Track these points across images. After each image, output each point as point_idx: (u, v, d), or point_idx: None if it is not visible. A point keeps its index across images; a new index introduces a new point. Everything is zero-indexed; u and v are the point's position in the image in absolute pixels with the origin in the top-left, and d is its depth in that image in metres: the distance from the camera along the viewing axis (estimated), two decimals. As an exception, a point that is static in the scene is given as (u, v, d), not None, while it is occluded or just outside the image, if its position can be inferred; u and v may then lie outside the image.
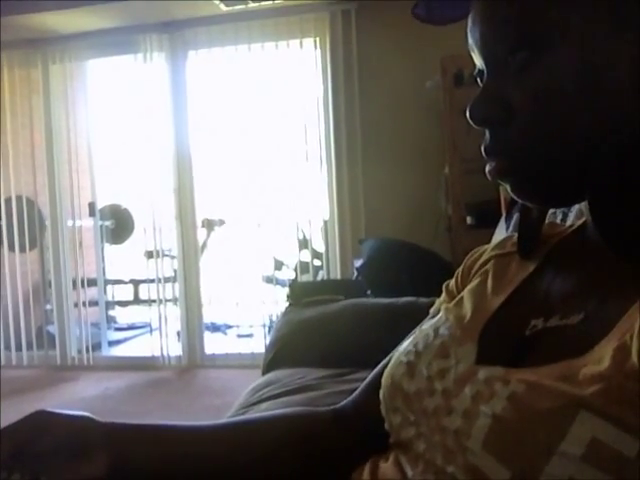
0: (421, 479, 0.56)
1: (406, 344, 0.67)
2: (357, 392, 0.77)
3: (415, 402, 0.59)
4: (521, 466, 0.46)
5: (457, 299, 0.69)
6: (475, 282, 0.69)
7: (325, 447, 0.72)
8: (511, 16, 0.55)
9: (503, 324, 0.61)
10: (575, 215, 0.76)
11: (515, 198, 0.60)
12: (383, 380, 0.66)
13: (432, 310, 0.76)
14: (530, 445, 0.46)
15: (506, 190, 0.60)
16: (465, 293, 0.69)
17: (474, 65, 0.62)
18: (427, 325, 0.68)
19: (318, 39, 4.06)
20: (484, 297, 0.66)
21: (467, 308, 0.65)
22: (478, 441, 0.49)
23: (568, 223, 0.70)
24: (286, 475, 0.71)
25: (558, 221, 0.75)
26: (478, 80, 0.61)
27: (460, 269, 0.76)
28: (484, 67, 0.59)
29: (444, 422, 0.54)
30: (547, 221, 0.68)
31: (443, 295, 0.76)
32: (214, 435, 0.71)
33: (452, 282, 0.76)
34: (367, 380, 0.75)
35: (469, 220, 3.35)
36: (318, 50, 4.06)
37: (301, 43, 4.12)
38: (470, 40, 0.60)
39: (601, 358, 0.47)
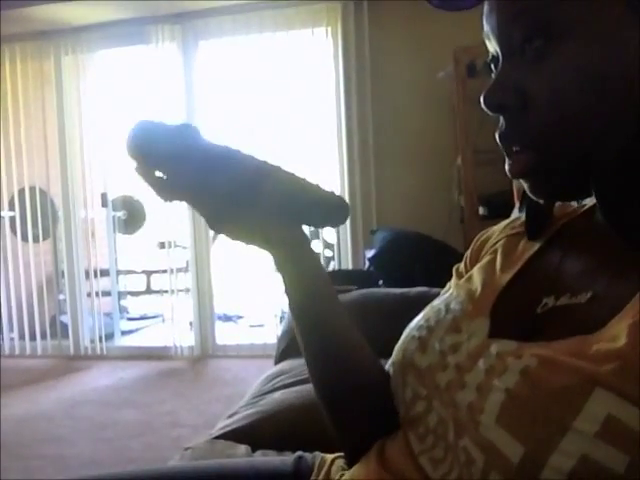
0: (428, 455, 0.56)
1: (417, 320, 0.68)
2: None
3: (427, 377, 0.59)
4: (535, 441, 0.46)
5: (467, 276, 0.70)
6: (485, 260, 0.70)
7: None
8: (529, 4, 0.55)
9: (514, 300, 0.61)
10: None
11: (533, 197, 0.60)
12: (394, 356, 0.66)
13: (442, 292, 0.76)
14: (544, 421, 0.46)
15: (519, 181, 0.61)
16: (474, 270, 0.70)
17: (487, 55, 0.62)
18: (438, 301, 0.69)
19: (330, 29, 4.04)
20: (493, 273, 0.66)
21: (477, 283, 0.66)
22: (491, 416, 0.49)
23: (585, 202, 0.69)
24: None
25: (575, 201, 0.75)
26: (492, 67, 0.61)
27: (469, 251, 0.77)
28: (499, 54, 0.59)
29: (457, 397, 0.54)
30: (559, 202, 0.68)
31: (453, 277, 0.77)
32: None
33: (461, 265, 0.78)
34: (388, 364, 0.76)
35: (482, 211, 3.34)
36: (330, 39, 4.04)
37: (313, 33, 4.10)
38: (486, 27, 0.60)
39: (615, 335, 0.47)
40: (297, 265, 0.65)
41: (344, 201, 0.61)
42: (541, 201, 0.61)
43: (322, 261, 0.63)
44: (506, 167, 0.59)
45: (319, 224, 0.64)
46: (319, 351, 0.71)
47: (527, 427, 0.47)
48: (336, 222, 0.62)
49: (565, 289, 0.57)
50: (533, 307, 0.58)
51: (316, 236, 4.59)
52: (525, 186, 0.60)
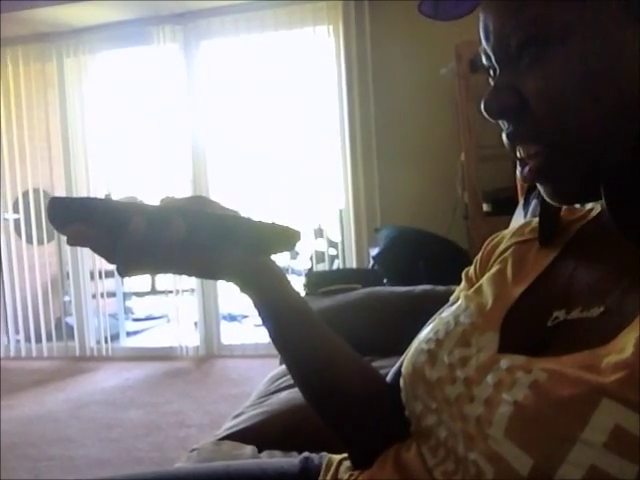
0: (442, 468, 0.56)
1: (426, 332, 0.67)
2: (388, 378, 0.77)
3: (437, 390, 0.59)
4: (543, 453, 0.46)
5: (476, 286, 0.69)
6: (494, 269, 0.69)
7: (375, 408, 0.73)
8: (523, 10, 0.55)
9: (525, 313, 0.61)
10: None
11: (550, 202, 0.60)
12: (403, 368, 0.66)
13: (452, 298, 0.76)
14: (552, 432, 0.46)
15: None
16: (484, 280, 0.69)
17: (486, 57, 0.62)
18: (447, 313, 0.68)
19: (331, 27, 4.03)
20: (505, 285, 0.65)
21: (487, 296, 0.65)
22: (500, 428, 0.49)
23: (588, 206, 0.69)
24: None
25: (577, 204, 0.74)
26: (490, 72, 0.61)
27: (479, 256, 0.76)
28: (495, 62, 0.59)
29: (466, 410, 0.54)
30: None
31: (463, 282, 0.76)
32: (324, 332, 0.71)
33: (471, 269, 0.77)
34: (394, 368, 0.76)
35: (485, 207, 3.33)
36: (331, 37, 4.04)
37: (314, 31, 4.10)
38: (481, 35, 0.60)
39: (623, 347, 0.47)
40: (256, 292, 0.67)
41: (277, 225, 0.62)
42: (558, 204, 0.61)
43: (288, 283, 0.65)
44: (517, 173, 0.59)
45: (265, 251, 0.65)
46: (298, 371, 0.72)
47: (535, 439, 0.47)
48: (281, 245, 0.63)
49: (577, 303, 0.56)
50: (543, 320, 0.57)
51: (320, 235, 4.59)
52: (541, 190, 0.59)
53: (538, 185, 0.60)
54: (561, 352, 0.51)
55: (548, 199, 0.60)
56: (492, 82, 0.60)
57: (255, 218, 0.61)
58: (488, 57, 0.60)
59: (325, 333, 0.71)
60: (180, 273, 0.63)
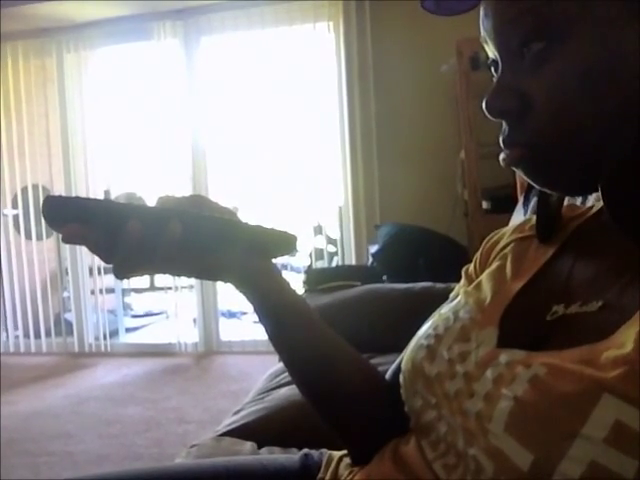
0: (442, 462, 0.57)
1: (425, 328, 0.67)
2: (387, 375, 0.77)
3: (436, 385, 0.59)
4: (543, 449, 0.46)
5: (476, 283, 0.69)
6: (494, 266, 0.69)
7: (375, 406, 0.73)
8: (527, 7, 0.55)
9: (524, 308, 0.61)
10: (595, 197, 0.75)
11: (532, 184, 0.60)
12: (403, 364, 0.66)
13: (452, 295, 0.76)
14: (552, 428, 0.46)
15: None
16: (484, 277, 0.69)
17: (487, 55, 0.61)
18: (446, 309, 0.69)
19: (332, 23, 4.02)
20: (504, 281, 0.65)
21: (486, 292, 0.65)
22: (500, 423, 0.49)
23: (588, 204, 0.69)
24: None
25: (578, 202, 0.74)
26: (492, 70, 0.61)
27: (479, 253, 0.76)
28: (498, 59, 0.59)
29: (465, 405, 0.54)
30: (566, 203, 0.68)
31: (462, 280, 0.76)
32: (321, 330, 0.72)
33: (471, 266, 0.77)
34: (394, 366, 0.76)
35: (485, 205, 3.33)
36: (332, 34, 4.03)
37: (314, 27, 4.09)
38: (483, 32, 0.60)
39: (623, 342, 0.47)
40: (253, 292, 0.68)
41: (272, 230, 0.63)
42: (545, 190, 0.61)
43: (286, 283, 0.66)
44: (501, 156, 0.59)
45: (268, 254, 0.66)
46: (297, 370, 0.73)
47: (536, 434, 0.47)
48: (281, 249, 0.64)
49: (576, 297, 0.56)
50: (543, 315, 0.57)
51: (319, 232, 4.59)
52: (522, 174, 0.59)
53: (518, 169, 0.59)
54: (561, 346, 0.51)
55: (528, 180, 0.60)
56: (494, 79, 0.59)
57: (252, 222, 0.62)
58: (490, 52, 0.60)
59: (324, 332, 0.71)
60: (177, 274, 0.63)
